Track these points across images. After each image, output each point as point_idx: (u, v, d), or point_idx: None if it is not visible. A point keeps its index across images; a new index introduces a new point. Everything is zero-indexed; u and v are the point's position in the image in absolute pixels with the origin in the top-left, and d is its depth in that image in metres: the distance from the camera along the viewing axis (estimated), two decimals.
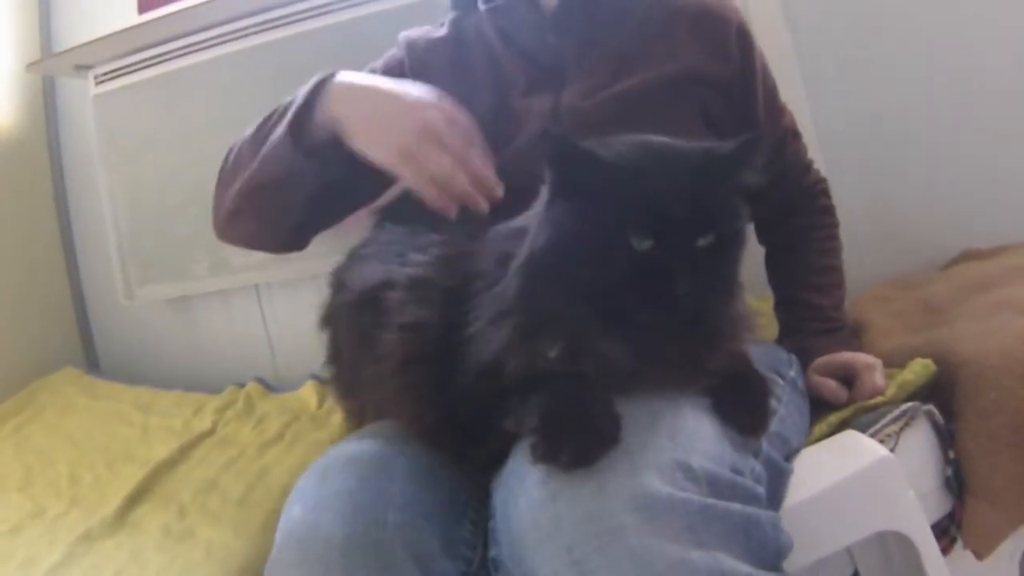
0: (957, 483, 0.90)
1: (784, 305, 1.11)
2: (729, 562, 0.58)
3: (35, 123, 1.97)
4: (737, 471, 0.65)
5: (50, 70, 1.90)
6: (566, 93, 0.97)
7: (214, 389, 1.75)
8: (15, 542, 1.26)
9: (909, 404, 0.90)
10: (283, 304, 1.86)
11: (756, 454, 0.71)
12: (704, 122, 0.98)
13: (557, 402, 0.63)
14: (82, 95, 1.86)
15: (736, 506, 0.61)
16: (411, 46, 1.05)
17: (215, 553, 1.17)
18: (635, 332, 0.64)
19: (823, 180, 1.16)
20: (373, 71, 1.05)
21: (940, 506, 0.90)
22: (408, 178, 0.85)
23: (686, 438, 0.63)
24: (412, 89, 0.90)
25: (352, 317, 0.84)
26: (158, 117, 1.81)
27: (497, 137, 0.95)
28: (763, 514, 0.64)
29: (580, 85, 0.97)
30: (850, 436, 0.87)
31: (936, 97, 1.47)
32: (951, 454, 0.91)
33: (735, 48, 0.99)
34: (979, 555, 0.88)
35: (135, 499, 1.34)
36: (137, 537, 1.24)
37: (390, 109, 0.88)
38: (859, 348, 1.05)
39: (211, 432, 1.56)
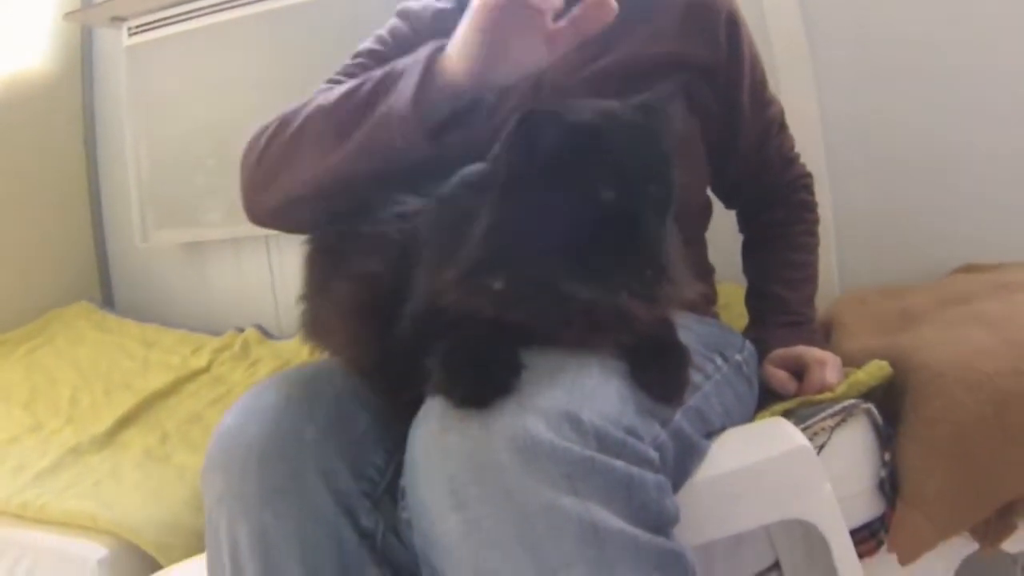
0: (891, 487, 0.89)
1: (753, 295, 1.13)
2: (602, 514, 0.59)
3: (71, 70, 2.07)
4: (634, 433, 0.65)
5: (86, 20, 1.99)
6: (549, 69, 0.96)
7: (217, 332, 1.85)
8: (11, 450, 1.37)
9: (849, 401, 0.90)
10: (291, 256, 1.91)
11: (664, 423, 0.72)
12: (687, 106, 0.99)
13: (463, 342, 0.66)
14: (116, 46, 1.95)
15: (619, 463, 0.62)
16: (417, 16, 1.07)
17: (187, 476, 1.25)
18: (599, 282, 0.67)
19: (807, 175, 1.16)
20: (380, 39, 1.06)
21: (871, 507, 0.89)
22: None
23: (583, 394, 0.65)
24: None
25: (314, 262, 0.90)
26: (186, 71, 1.89)
27: (480, 110, 0.97)
28: (649, 477, 0.64)
29: (564, 60, 0.96)
30: (774, 422, 0.87)
31: (949, 108, 1.45)
32: (887, 456, 0.90)
33: (723, 35, 0.99)
34: (902, 560, 0.88)
35: (125, 422, 1.45)
36: (120, 455, 1.34)
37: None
38: (822, 344, 1.04)
39: (205, 370, 1.66)
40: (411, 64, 0.80)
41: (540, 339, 0.68)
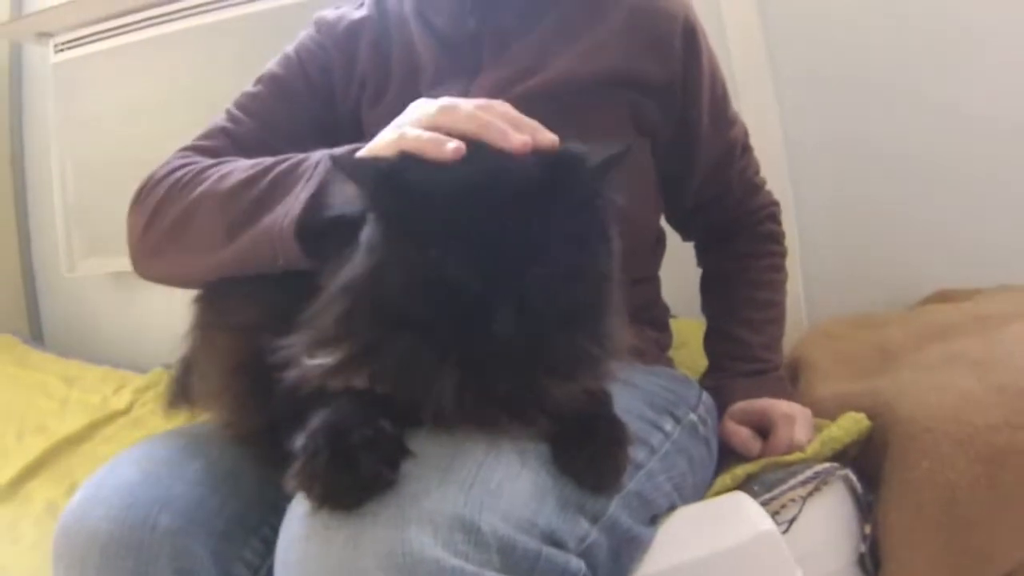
0: (872, 563, 0.79)
1: (713, 338, 1.02)
2: None
3: None
4: (552, 539, 0.55)
5: (11, 35, 1.88)
6: (476, 85, 0.88)
7: (146, 368, 1.71)
8: None
9: (823, 466, 0.80)
10: None
11: (596, 519, 0.60)
12: (635, 128, 0.89)
13: (333, 422, 0.53)
14: (44, 62, 1.84)
15: None
16: (330, 28, 0.96)
17: None
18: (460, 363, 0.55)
19: (774, 203, 1.06)
20: (286, 59, 0.95)
21: None
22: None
23: (485, 492, 0.53)
24: None
25: (196, 308, 0.77)
26: (114, 89, 1.78)
27: None
28: None
29: (493, 77, 0.88)
30: (733, 500, 0.76)
31: (916, 132, 1.39)
32: (867, 529, 0.80)
33: (678, 48, 0.88)
34: None
35: (31, 472, 1.34)
36: (21, 510, 1.23)
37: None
38: (789, 395, 0.95)
39: (125, 412, 1.53)
40: (311, 168, 0.69)
41: (432, 418, 0.55)
